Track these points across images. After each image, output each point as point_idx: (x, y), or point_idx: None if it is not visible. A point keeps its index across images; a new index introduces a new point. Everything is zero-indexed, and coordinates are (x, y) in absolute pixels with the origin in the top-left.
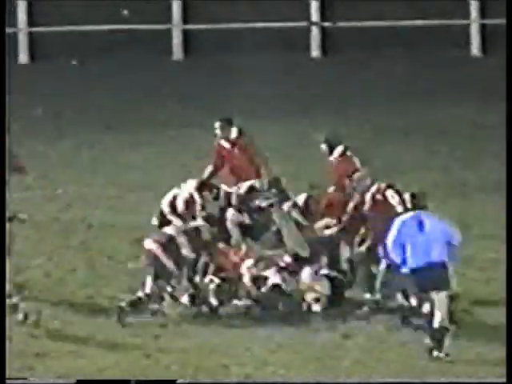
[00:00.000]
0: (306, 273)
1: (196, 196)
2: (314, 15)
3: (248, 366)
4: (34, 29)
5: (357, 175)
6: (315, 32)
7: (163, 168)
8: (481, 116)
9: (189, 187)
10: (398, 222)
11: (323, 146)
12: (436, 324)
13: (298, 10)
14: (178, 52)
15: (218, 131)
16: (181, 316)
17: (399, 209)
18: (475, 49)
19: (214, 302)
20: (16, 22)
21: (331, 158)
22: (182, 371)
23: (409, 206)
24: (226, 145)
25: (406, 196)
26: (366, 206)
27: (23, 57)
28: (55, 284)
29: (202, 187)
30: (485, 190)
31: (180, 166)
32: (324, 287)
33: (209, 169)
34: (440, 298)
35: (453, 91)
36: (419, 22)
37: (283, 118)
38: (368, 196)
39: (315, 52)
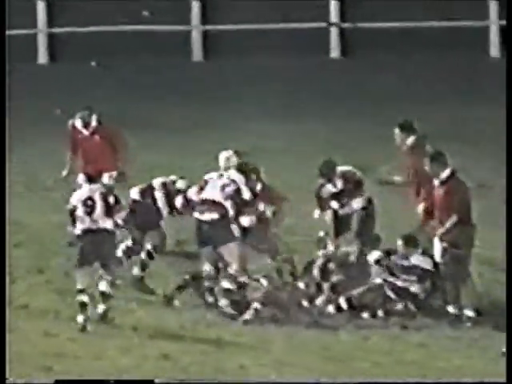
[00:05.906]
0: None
1: None
2: (334, 16)
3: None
4: (54, 29)
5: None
6: (334, 33)
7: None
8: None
9: None
10: None
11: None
12: None
13: (317, 11)
14: (197, 53)
15: (78, 118)
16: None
17: None
18: (495, 50)
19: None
20: (36, 22)
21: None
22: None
23: None
24: (84, 130)
25: None
26: None
27: (42, 57)
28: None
29: None
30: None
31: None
32: None
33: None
34: None
35: (475, 93)
36: (438, 24)
37: (299, 118)
38: None
39: (334, 53)
